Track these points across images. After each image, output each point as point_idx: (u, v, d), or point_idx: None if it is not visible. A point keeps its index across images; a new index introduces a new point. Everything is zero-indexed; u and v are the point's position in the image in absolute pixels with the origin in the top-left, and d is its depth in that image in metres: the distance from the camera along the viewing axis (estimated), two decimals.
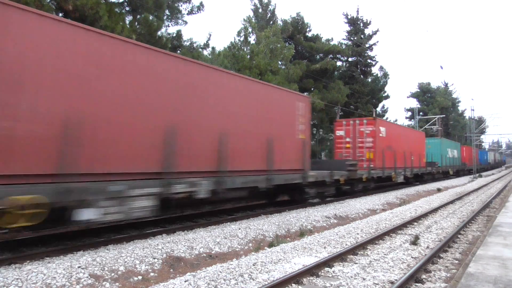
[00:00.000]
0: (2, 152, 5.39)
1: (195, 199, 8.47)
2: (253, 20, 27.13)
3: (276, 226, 9.41)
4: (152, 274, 5.87)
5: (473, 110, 43.58)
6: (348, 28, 38.84)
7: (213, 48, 22.82)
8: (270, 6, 31.59)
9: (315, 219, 10.73)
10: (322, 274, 5.74)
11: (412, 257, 6.79)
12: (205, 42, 22.17)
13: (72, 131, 6.10)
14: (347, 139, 18.88)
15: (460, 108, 72.62)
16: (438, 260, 6.71)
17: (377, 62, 39.89)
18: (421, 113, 58.07)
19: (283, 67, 26.25)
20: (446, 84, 71.27)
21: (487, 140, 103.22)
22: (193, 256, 6.78)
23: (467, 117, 64.80)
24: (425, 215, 11.67)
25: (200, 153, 8.62)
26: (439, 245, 7.33)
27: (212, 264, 6.39)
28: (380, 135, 18.51)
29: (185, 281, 5.21)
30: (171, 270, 6.14)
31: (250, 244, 7.90)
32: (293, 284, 5.25)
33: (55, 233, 8.02)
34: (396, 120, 51.73)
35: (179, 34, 19.87)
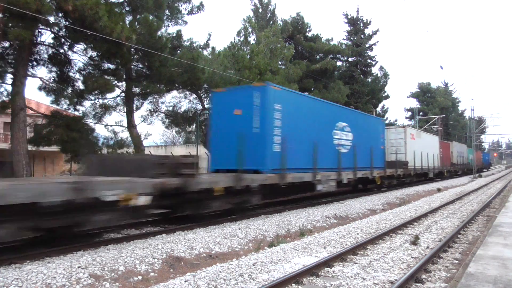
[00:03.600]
0: None
1: None
2: (253, 20, 27.14)
3: (276, 226, 9.41)
4: (152, 274, 5.87)
5: (473, 110, 43.75)
6: (348, 28, 38.88)
7: (213, 48, 22.88)
8: (270, 6, 31.61)
9: (315, 219, 10.73)
10: (322, 274, 5.74)
11: (412, 257, 6.79)
12: (205, 42, 22.23)
13: None
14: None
15: (460, 108, 72.76)
16: (438, 260, 6.70)
17: (377, 62, 39.94)
18: (421, 113, 58.09)
19: (283, 67, 26.23)
20: (446, 84, 71.36)
21: (487, 140, 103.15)
22: (193, 256, 6.78)
23: (467, 117, 64.83)
24: (425, 215, 11.67)
25: None
26: (439, 245, 7.32)
27: (212, 264, 6.39)
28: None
29: (185, 281, 5.21)
30: (171, 270, 6.14)
31: (250, 244, 7.90)
32: (293, 284, 5.25)
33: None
34: (396, 120, 50.74)
35: (179, 34, 19.89)
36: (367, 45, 37.83)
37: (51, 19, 13.43)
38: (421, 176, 26.63)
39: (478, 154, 56.47)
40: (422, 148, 25.38)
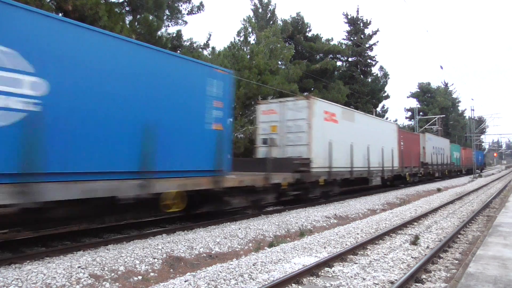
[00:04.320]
0: None
1: None
2: (253, 20, 27.13)
3: (276, 226, 9.41)
4: (152, 274, 5.87)
5: (473, 110, 43.67)
6: (348, 28, 38.87)
7: (213, 48, 22.84)
8: (270, 6, 31.61)
9: (315, 219, 10.73)
10: (322, 274, 5.74)
11: (412, 257, 6.79)
12: (205, 42, 22.19)
13: None
14: None
15: (460, 108, 72.75)
16: (438, 260, 6.70)
17: (377, 62, 39.97)
18: (421, 113, 58.10)
19: (283, 67, 26.24)
20: (446, 84, 71.37)
21: (487, 140, 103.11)
22: (193, 256, 6.78)
23: (467, 117, 64.81)
24: (425, 215, 11.67)
25: None
26: (439, 245, 7.32)
27: (212, 264, 6.39)
28: None
29: (185, 281, 5.21)
30: (171, 270, 6.14)
31: (250, 244, 7.90)
32: (293, 284, 5.24)
33: (55, 233, 8.02)
34: (396, 120, 50.89)
35: (179, 34, 19.88)
36: (367, 45, 37.82)
37: None
38: (355, 184, 16.85)
39: (467, 152, 42.28)
40: (356, 138, 15.62)
